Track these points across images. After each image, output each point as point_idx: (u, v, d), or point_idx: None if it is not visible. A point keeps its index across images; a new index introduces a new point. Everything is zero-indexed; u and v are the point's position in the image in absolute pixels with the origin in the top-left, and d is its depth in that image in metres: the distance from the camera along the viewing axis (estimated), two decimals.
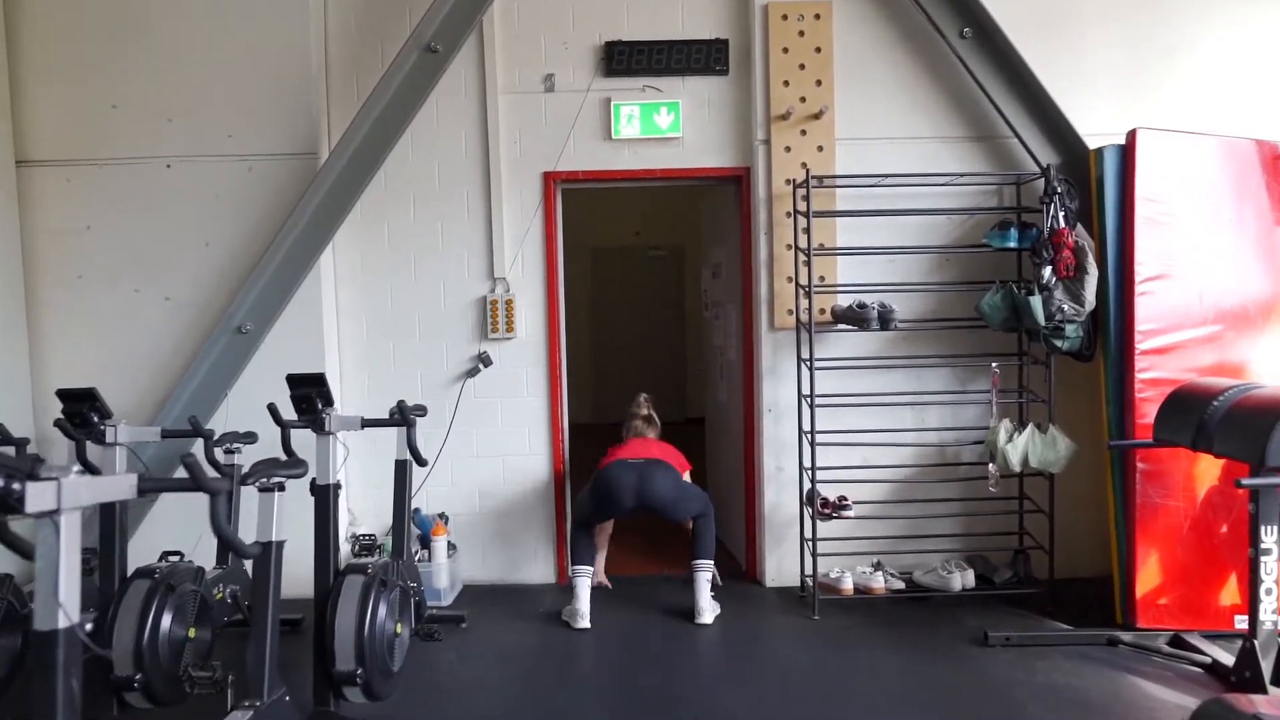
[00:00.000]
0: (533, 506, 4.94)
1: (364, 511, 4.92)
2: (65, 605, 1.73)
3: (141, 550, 4.26)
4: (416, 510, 4.84)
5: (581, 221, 9.44)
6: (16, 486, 1.65)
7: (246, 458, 4.12)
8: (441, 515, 4.86)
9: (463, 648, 4.10)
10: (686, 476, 4.52)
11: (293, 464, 2.78)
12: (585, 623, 4.23)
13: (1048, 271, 4.12)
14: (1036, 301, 4.09)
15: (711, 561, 4.29)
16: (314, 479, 3.26)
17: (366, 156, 4.47)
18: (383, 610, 3.18)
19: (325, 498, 3.24)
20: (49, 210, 4.70)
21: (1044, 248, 4.15)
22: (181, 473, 2.01)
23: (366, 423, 3.56)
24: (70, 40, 4.67)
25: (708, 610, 4.26)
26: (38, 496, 1.69)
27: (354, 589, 3.14)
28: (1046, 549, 4.43)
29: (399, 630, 3.30)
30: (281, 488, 2.75)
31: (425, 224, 4.87)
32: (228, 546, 2.07)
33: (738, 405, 5.05)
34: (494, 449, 4.92)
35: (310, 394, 3.12)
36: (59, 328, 4.72)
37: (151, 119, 4.68)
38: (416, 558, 4.66)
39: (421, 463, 3.75)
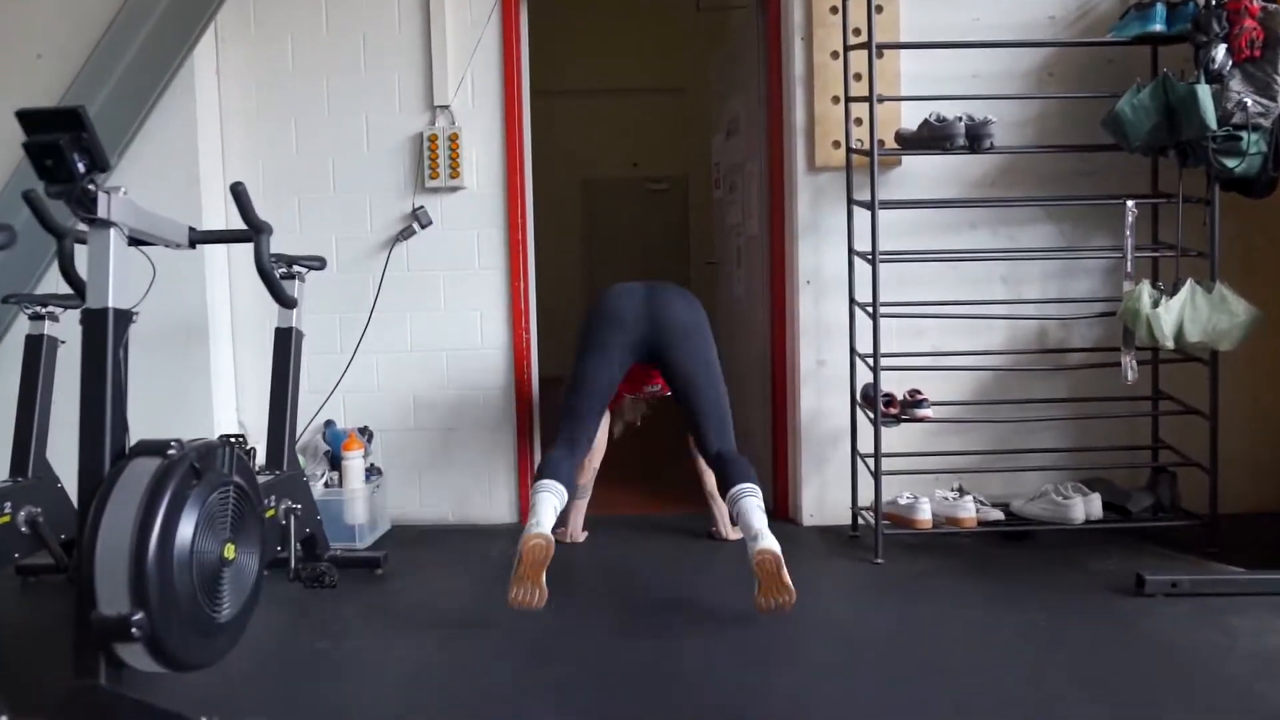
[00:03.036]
0: (487, 418, 3.67)
1: (260, 424, 3.62)
2: None
3: None
4: (329, 423, 3.60)
5: (569, 148, 8.28)
6: None
7: (69, 329, 2.89)
8: (363, 430, 3.60)
9: (371, 600, 2.85)
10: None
11: None
12: (544, 530, 2.68)
13: (1221, 52, 2.83)
14: (1205, 92, 2.80)
15: (758, 486, 2.76)
16: (86, 305, 1.99)
17: None
18: (190, 519, 1.90)
19: (102, 331, 1.96)
20: None
21: (1213, 18, 2.85)
22: None
23: (199, 237, 2.28)
24: None
25: (767, 534, 2.59)
26: None
27: (136, 481, 1.87)
28: (1205, 467, 3.13)
29: (229, 555, 2.02)
30: None
31: (342, 36, 3.59)
32: None
33: (761, 285, 3.78)
34: (435, 340, 3.65)
35: (58, 144, 1.82)
36: None
37: None
38: (323, 481, 3.41)
39: (281, 299, 2.46)
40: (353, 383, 3.62)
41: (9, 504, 2.67)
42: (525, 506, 3.63)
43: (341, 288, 3.56)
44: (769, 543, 2.54)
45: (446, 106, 3.57)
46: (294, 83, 3.62)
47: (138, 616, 1.78)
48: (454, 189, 3.58)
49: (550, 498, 2.69)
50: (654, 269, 8.91)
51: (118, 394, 1.99)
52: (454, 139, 3.54)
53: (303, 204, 3.64)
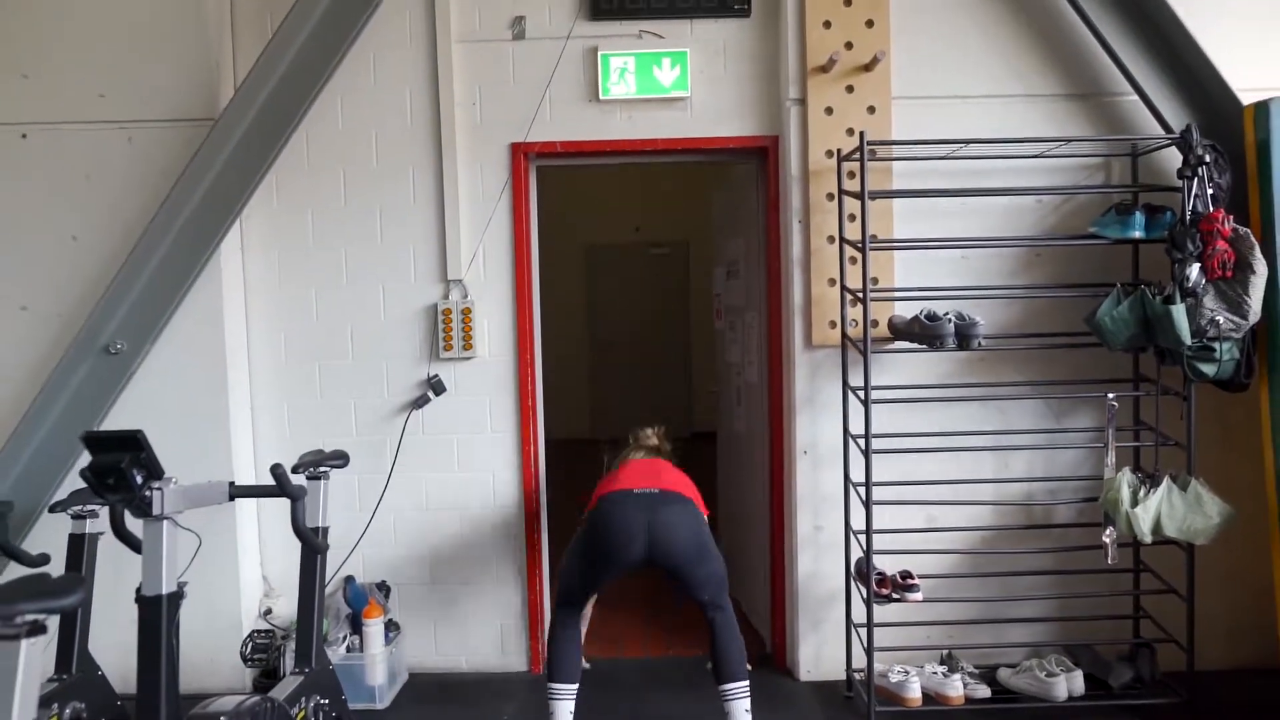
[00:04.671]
0: (500, 572, 3.85)
1: (284, 577, 3.82)
2: None
3: None
4: (350, 579, 3.78)
5: (572, 214, 8.44)
6: None
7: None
8: (381, 585, 3.79)
9: None
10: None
11: (55, 590, 1.68)
12: None
13: (1195, 271, 3.00)
14: (1180, 312, 2.98)
15: (747, 683, 2.99)
16: (139, 588, 2.17)
17: (274, 119, 3.43)
18: None
19: (155, 615, 2.15)
20: None
21: (1188, 238, 3.03)
22: None
23: (238, 492, 2.46)
24: None
25: None
26: None
27: None
28: (1182, 644, 3.31)
29: None
30: (28, 631, 1.66)
31: (360, 212, 3.77)
32: None
33: (762, 442, 3.95)
34: (450, 499, 3.83)
35: (118, 464, 2.02)
36: None
37: (1, 74, 3.60)
38: (344, 645, 3.58)
39: (315, 548, 2.65)
40: (372, 539, 3.80)
41: (55, 705, 2.85)
42: (536, 654, 3.85)
43: (361, 449, 3.72)
44: None
45: (459, 280, 3.75)
46: (314, 253, 3.80)
47: None
48: (467, 358, 3.76)
49: (567, 705, 2.99)
50: (655, 332, 9.22)
51: (171, 671, 2.16)
52: (467, 313, 3.72)
53: (323, 369, 3.82)
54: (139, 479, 2.04)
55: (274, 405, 3.82)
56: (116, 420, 3.48)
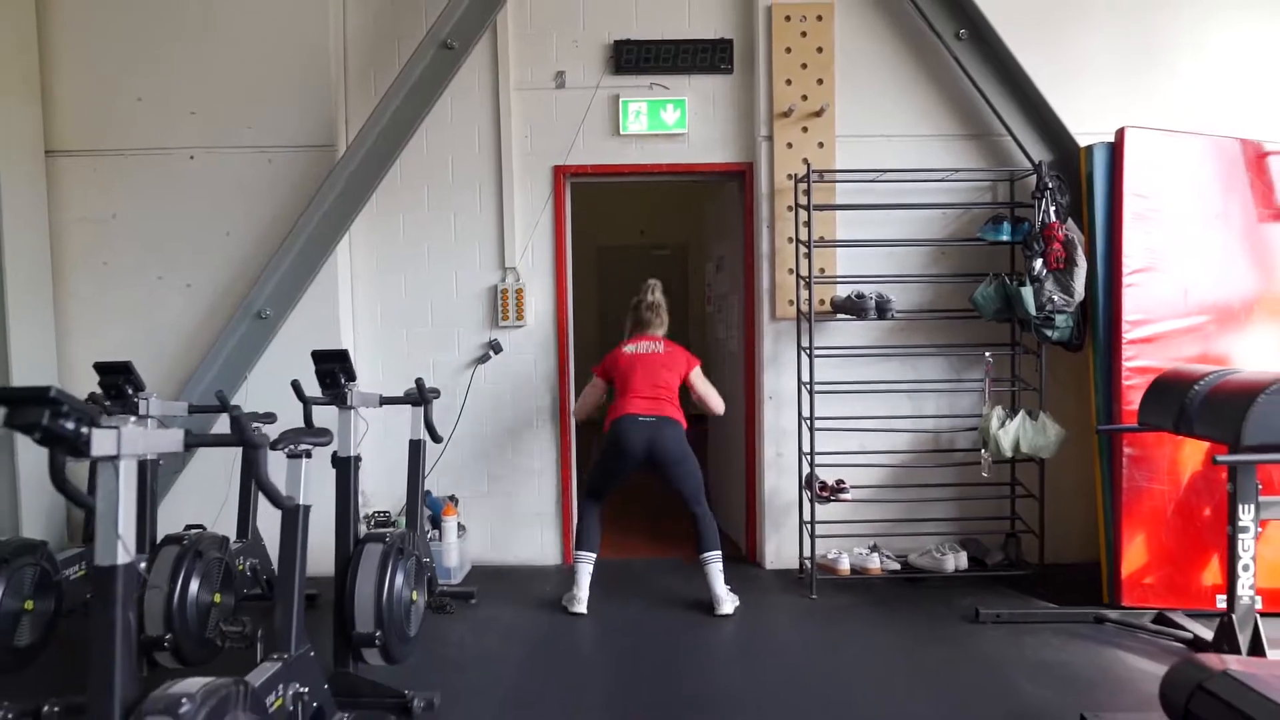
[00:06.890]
0: (540, 490, 5.10)
1: (376, 492, 5.07)
2: (125, 541, 1.89)
3: (165, 523, 4.44)
4: (428, 492, 4.98)
5: (588, 220, 9.70)
6: (84, 431, 1.81)
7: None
8: (451, 497, 5.02)
9: (473, 622, 4.26)
10: (697, 373, 4.49)
11: (319, 433, 2.94)
12: (582, 608, 4.25)
13: (1039, 264, 4.28)
14: (1028, 292, 4.25)
15: (719, 552, 4.24)
16: (335, 451, 3.42)
17: (383, 149, 4.64)
18: (400, 577, 3.33)
19: (346, 469, 3.39)
20: (76, 199, 4.87)
21: (1035, 241, 4.31)
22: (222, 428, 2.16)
23: (385, 400, 3.72)
24: (98, 34, 4.85)
25: (726, 600, 4.22)
26: (101, 442, 1.86)
27: (373, 556, 3.30)
28: (1037, 533, 4.59)
29: (415, 598, 3.46)
30: (308, 454, 2.91)
31: (439, 216, 5.03)
32: (268, 497, 2.23)
33: (739, 394, 5.21)
34: (503, 433, 5.08)
35: (334, 369, 3.28)
36: (85, 313, 4.88)
37: (175, 111, 4.85)
38: (428, 537, 4.82)
39: (437, 439, 3.90)
40: (444, 463, 5.04)
41: (242, 557, 4.09)
42: (568, 550, 5.09)
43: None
44: (725, 609, 4.11)
45: (514, 267, 5.01)
46: (403, 247, 5.05)
47: (378, 634, 3.20)
48: (519, 326, 5.02)
49: (587, 567, 4.27)
50: None
51: (356, 506, 3.41)
52: (520, 292, 4.98)
53: (409, 335, 5.07)
54: (344, 380, 3.29)
55: (372, 360, 5.06)
56: (261, 368, 4.73)
